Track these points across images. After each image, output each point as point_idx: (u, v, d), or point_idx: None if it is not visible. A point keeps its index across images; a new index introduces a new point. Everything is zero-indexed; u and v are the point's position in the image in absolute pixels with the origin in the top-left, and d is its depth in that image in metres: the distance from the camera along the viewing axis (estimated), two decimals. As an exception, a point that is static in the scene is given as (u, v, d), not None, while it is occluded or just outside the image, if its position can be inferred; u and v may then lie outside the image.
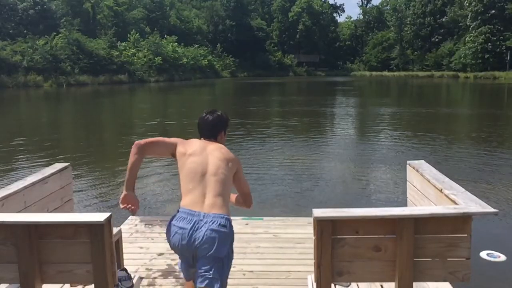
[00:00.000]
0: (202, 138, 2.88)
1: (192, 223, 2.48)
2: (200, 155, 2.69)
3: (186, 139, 2.85)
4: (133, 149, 2.77)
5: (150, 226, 5.04)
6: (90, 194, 7.78)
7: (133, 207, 2.85)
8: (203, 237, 2.45)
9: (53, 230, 2.61)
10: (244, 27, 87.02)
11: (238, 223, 5.00)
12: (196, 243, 2.45)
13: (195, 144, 2.77)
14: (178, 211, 2.60)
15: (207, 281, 2.45)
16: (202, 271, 2.46)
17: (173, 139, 2.83)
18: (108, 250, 2.58)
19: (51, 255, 2.63)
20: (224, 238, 2.49)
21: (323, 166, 10.12)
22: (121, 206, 2.85)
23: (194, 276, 2.55)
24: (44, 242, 2.61)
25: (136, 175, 2.84)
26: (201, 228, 2.46)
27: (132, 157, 2.77)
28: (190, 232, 2.47)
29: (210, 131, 2.87)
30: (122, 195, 2.83)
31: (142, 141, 2.79)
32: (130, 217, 5.33)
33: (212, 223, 2.47)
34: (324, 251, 2.62)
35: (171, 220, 2.62)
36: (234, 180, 2.77)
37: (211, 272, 2.45)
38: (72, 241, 2.60)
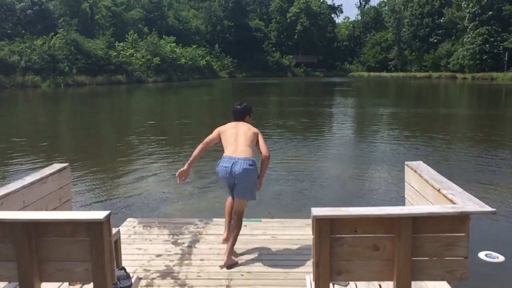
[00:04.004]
0: (235, 121, 4.46)
1: (231, 163, 4.09)
2: (234, 129, 4.32)
3: (218, 128, 4.40)
4: (200, 145, 4.33)
5: (148, 228, 5.03)
6: (89, 194, 7.77)
7: (183, 178, 4.32)
8: (238, 172, 4.07)
9: (52, 228, 2.61)
10: (242, 27, 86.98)
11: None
12: (234, 175, 4.08)
13: (229, 125, 4.39)
14: (222, 158, 4.17)
15: (240, 195, 4.18)
16: (238, 191, 4.16)
17: (215, 131, 4.38)
18: (107, 248, 2.58)
19: (50, 253, 2.63)
20: (251, 172, 4.12)
21: (321, 166, 10.13)
22: (177, 174, 4.31)
23: (232, 194, 4.24)
24: (43, 240, 2.61)
25: (196, 160, 4.35)
26: (237, 166, 4.07)
27: (198, 148, 4.32)
28: (230, 169, 4.08)
29: (240, 115, 4.50)
30: (182, 169, 4.28)
31: (206, 141, 4.36)
32: (128, 219, 5.33)
33: (244, 164, 4.08)
34: (323, 250, 2.63)
35: (218, 163, 4.18)
36: (257, 144, 4.31)
37: (243, 192, 4.15)
38: (71, 239, 2.60)
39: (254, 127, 4.44)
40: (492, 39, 64.46)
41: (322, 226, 2.62)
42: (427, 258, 2.70)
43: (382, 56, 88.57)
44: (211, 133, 4.41)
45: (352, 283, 3.43)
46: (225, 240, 4.29)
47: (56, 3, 64.25)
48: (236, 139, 4.21)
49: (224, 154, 4.19)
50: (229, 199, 4.39)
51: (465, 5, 68.78)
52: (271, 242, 4.59)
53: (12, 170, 9.53)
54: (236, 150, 4.15)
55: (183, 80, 61.88)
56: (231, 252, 4.08)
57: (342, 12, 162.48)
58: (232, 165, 4.07)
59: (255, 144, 4.27)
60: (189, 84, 55.39)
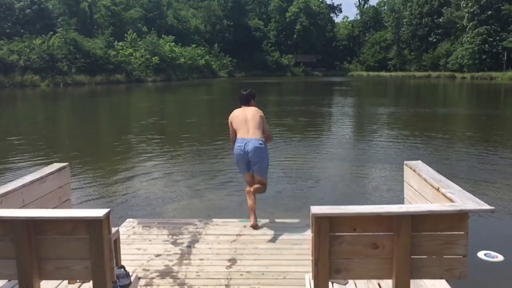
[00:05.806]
0: (241, 105, 5.23)
1: (244, 143, 4.87)
2: (242, 113, 5.08)
3: (231, 116, 5.16)
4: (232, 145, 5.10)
5: (147, 228, 5.03)
6: (88, 193, 7.77)
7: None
8: (251, 150, 4.85)
9: (52, 226, 2.62)
10: (241, 27, 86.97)
11: (236, 225, 5.03)
12: (248, 152, 4.86)
13: (237, 111, 5.13)
14: (236, 140, 4.96)
15: (256, 169, 4.96)
16: (253, 166, 4.94)
17: (230, 124, 5.10)
18: (106, 246, 2.59)
19: (50, 251, 2.63)
20: (261, 149, 4.90)
21: (321, 165, 10.13)
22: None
23: (248, 170, 5.07)
24: (43, 238, 2.61)
25: None
26: (249, 146, 4.85)
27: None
28: (244, 147, 4.87)
29: (245, 100, 5.26)
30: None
31: (232, 138, 5.15)
32: (128, 220, 5.33)
33: (255, 143, 4.85)
34: (322, 248, 2.64)
35: (235, 145, 4.97)
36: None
37: (258, 166, 4.93)
38: (70, 237, 2.60)
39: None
40: (491, 39, 64.53)
41: (321, 224, 2.62)
42: (426, 257, 2.70)
43: (381, 55, 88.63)
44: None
45: (351, 282, 3.44)
46: (248, 191, 5.03)
47: (55, 2, 64.24)
48: (247, 123, 4.97)
49: (238, 136, 4.97)
50: (245, 175, 5.17)
51: (464, 5, 68.85)
52: (271, 242, 4.59)
53: (11, 169, 9.53)
54: (248, 132, 4.91)
55: (182, 79, 61.85)
56: (255, 191, 4.99)
57: (341, 11, 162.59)
58: (245, 144, 4.85)
59: (262, 125, 5.02)
60: (188, 83, 55.38)
